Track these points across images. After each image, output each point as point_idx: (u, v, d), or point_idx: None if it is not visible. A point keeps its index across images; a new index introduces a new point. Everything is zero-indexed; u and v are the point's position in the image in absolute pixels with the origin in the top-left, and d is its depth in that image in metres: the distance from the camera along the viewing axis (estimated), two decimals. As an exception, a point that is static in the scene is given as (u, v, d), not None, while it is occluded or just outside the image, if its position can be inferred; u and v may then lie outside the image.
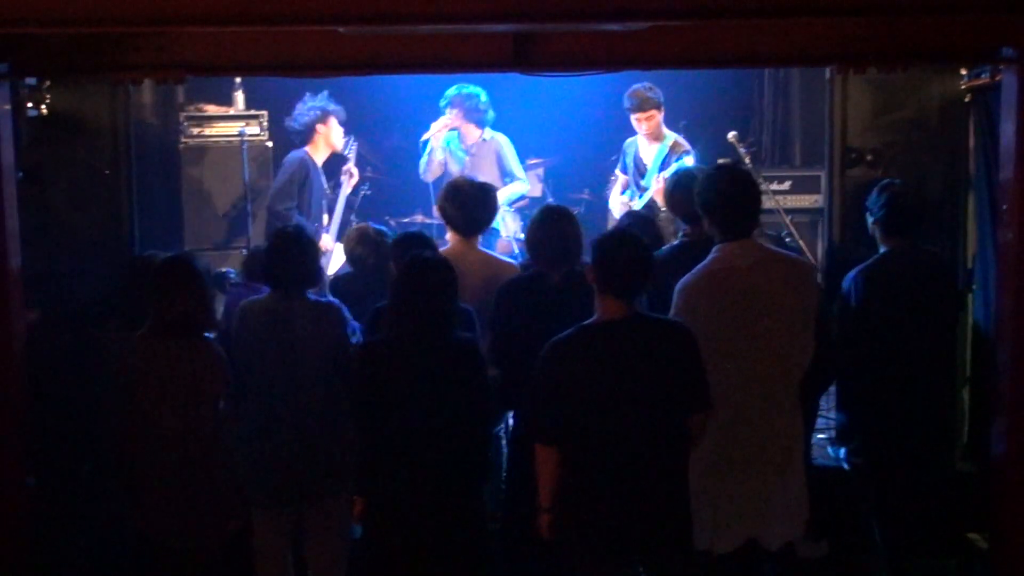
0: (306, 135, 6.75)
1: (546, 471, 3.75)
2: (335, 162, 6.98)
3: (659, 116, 6.77)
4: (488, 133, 7.22)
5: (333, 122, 6.75)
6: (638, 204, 6.71)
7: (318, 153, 6.78)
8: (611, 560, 3.73)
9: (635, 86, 6.72)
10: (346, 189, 6.96)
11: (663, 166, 6.67)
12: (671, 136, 6.81)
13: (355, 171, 7.02)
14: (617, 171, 7.18)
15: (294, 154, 6.72)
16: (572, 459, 3.70)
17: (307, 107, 6.72)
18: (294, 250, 4.41)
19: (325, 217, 6.80)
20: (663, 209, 6.28)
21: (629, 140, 7.02)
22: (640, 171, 6.92)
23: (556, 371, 3.69)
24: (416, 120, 8.33)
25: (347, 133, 7.01)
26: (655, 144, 6.81)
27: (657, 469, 3.67)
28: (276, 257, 4.43)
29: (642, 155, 6.93)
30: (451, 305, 3.94)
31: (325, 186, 6.88)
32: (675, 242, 4.80)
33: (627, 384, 3.63)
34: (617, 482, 3.65)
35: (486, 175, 7.03)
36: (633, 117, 6.78)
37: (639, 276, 3.71)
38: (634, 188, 6.96)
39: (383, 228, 5.27)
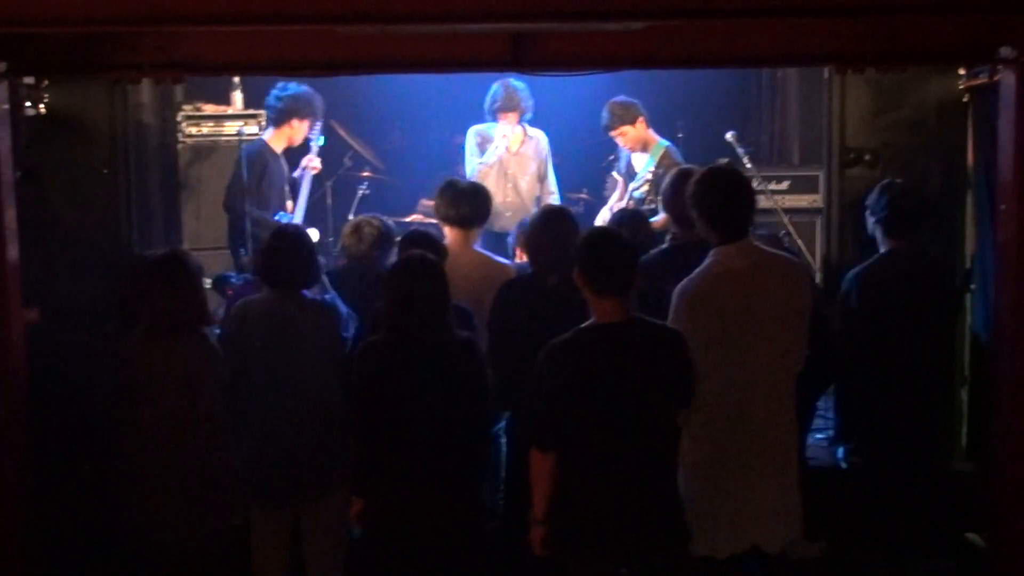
0: (278, 120, 6.52)
1: (541, 478, 3.73)
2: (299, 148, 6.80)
3: (633, 131, 6.68)
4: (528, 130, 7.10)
5: (307, 124, 6.56)
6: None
7: (278, 142, 6.56)
8: (607, 564, 3.73)
9: (609, 101, 6.68)
10: (308, 175, 6.72)
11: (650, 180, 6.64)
12: (661, 146, 6.72)
13: (317, 163, 6.75)
14: (615, 174, 7.16)
15: (250, 147, 6.46)
16: (568, 464, 3.70)
17: (294, 94, 6.44)
18: (292, 249, 4.42)
19: (289, 204, 6.59)
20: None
21: None
22: (631, 177, 6.90)
23: (553, 375, 3.68)
24: (416, 120, 8.35)
25: (324, 130, 6.86)
26: (644, 153, 6.76)
27: (652, 474, 3.68)
28: (274, 256, 4.43)
29: (633, 161, 6.91)
30: (440, 304, 3.93)
31: (285, 173, 6.65)
32: (663, 245, 4.78)
33: (620, 385, 3.63)
34: (613, 486, 3.65)
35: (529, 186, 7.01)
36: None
37: (626, 273, 3.70)
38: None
39: (383, 220, 5.18)
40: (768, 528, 3.97)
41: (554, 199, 7.09)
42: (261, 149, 6.53)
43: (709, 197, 4.02)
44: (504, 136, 6.90)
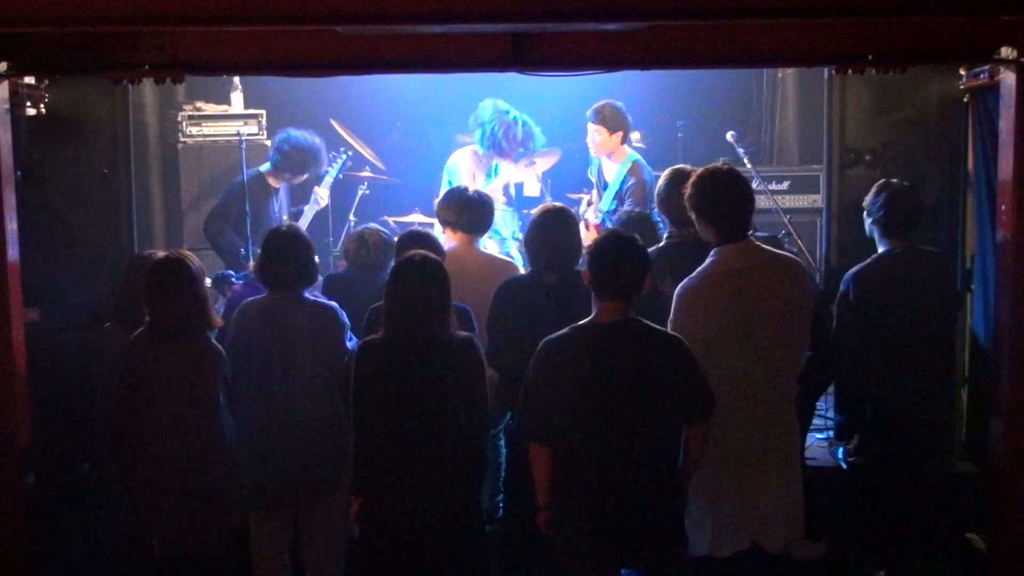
0: (277, 166, 6.50)
1: (541, 469, 3.77)
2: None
3: (606, 138, 6.56)
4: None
5: (301, 177, 6.58)
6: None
7: (274, 178, 6.60)
8: (602, 563, 3.73)
9: (607, 101, 6.60)
10: (311, 212, 6.73)
11: (620, 189, 6.56)
12: (631, 159, 6.63)
13: (324, 197, 6.76)
14: (590, 173, 7.14)
15: (238, 181, 6.49)
16: (563, 459, 3.71)
17: (301, 148, 6.41)
18: (289, 250, 4.41)
19: None
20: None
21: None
22: (600, 181, 6.88)
23: (549, 369, 3.70)
24: (416, 120, 8.35)
25: (339, 147, 6.88)
26: (612, 162, 6.68)
27: (644, 473, 3.68)
28: (271, 257, 4.42)
29: (604, 170, 6.85)
30: (442, 304, 3.93)
31: (278, 205, 6.64)
32: (661, 244, 4.78)
33: (616, 384, 3.64)
34: (604, 484, 3.66)
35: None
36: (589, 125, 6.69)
37: (635, 278, 3.71)
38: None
39: (384, 231, 5.22)
40: (770, 527, 3.97)
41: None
42: (248, 183, 6.46)
43: (707, 198, 4.01)
44: (509, 180, 6.81)
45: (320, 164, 6.58)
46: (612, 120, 6.60)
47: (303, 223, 6.58)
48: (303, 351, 4.32)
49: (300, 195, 6.96)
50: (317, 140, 6.55)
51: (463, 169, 6.77)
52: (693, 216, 4.10)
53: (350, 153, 6.96)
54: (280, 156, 6.48)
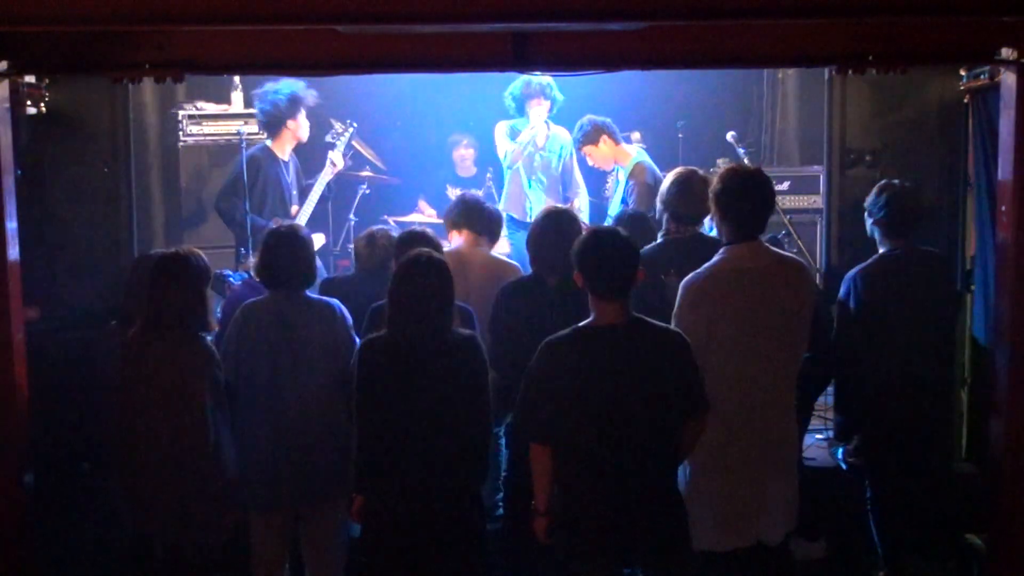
0: (271, 127, 6.52)
1: (541, 471, 3.76)
2: (323, 148, 6.84)
3: (597, 152, 6.64)
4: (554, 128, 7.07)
5: (302, 115, 6.52)
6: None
7: (283, 147, 6.57)
8: (606, 563, 3.73)
9: (581, 119, 6.66)
10: (325, 177, 6.69)
11: (625, 193, 6.58)
12: (635, 160, 6.61)
13: (339, 160, 6.78)
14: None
15: (248, 152, 6.46)
16: (565, 460, 3.71)
17: (272, 97, 6.41)
18: (289, 249, 4.40)
19: (294, 208, 6.59)
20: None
21: None
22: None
23: (550, 370, 3.69)
24: (416, 120, 8.35)
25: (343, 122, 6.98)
26: (623, 167, 6.68)
27: (648, 472, 3.68)
28: (272, 257, 4.41)
29: (619, 175, 6.88)
30: (445, 303, 3.93)
31: (289, 178, 6.63)
32: (659, 240, 4.80)
33: (619, 387, 3.63)
34: (608, 485, 3.66)
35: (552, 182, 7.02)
36: None
37: (626, 272, 3.70)
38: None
39: (392, 233, 5.23)
40: (769, 523, 3.98)
41: (583, 196, 7.11)
42: (258, 155, 6.51)
43: (727, 194, 4.02)
44: (538, 121, 6.89)
45: (299, 101, 6.48)
46: (590, 136, 6.62)
47: (316, 189, 6.62)
48: (312, 350, 4.31)
49: (312, 169, 6.93)
50: (276, 91, 6.50)
51: (500, 132, 7.06)
52: (713, 211, 4.11)
53: (355, 125, 6.99)
54: (270, 111, 6.44)
